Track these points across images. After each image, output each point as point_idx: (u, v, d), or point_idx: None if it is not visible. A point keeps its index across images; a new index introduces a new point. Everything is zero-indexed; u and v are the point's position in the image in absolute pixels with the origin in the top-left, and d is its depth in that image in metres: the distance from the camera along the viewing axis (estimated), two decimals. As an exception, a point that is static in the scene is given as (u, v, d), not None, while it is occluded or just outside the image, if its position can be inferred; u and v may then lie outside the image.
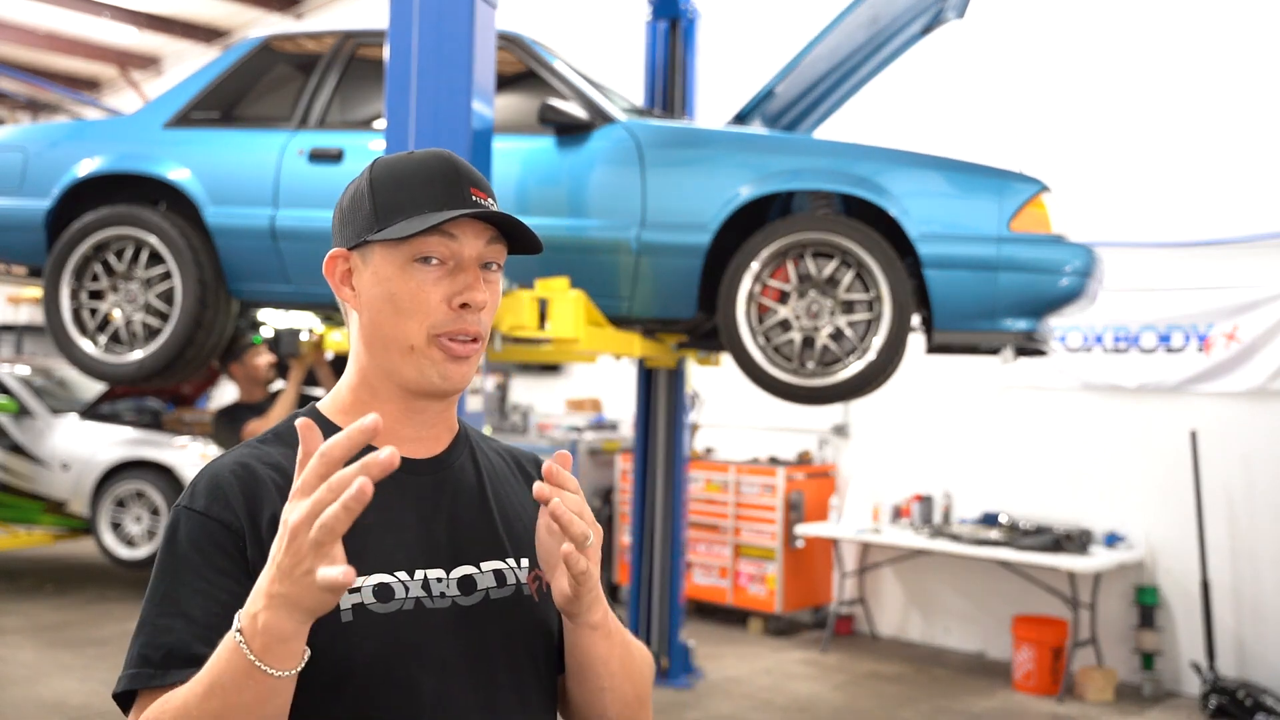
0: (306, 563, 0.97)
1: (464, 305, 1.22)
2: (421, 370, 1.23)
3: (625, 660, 1.28)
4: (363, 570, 1.17)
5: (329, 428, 1.25)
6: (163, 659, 1.10)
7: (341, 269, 1.27)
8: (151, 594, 1.15)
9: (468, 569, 1.25)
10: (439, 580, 1.22)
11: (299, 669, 1.03)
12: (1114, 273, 4.66)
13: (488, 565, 1.26)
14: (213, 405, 9.17)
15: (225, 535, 1.15)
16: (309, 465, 0.99)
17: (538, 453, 1.43)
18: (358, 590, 1.17)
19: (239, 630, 1.01)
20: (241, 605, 1.03)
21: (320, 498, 0.97)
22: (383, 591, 1.18)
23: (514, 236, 1.26)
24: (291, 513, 0.98)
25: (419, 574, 1.21)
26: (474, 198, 1.22)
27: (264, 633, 0.99)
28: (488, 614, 1.24)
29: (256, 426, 4.73)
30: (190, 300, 4.38)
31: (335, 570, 0.96)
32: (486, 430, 5.35)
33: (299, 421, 1.05)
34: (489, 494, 1.31)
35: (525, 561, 1.30)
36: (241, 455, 1.22)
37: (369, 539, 1.18)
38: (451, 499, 1.27)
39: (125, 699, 1.12)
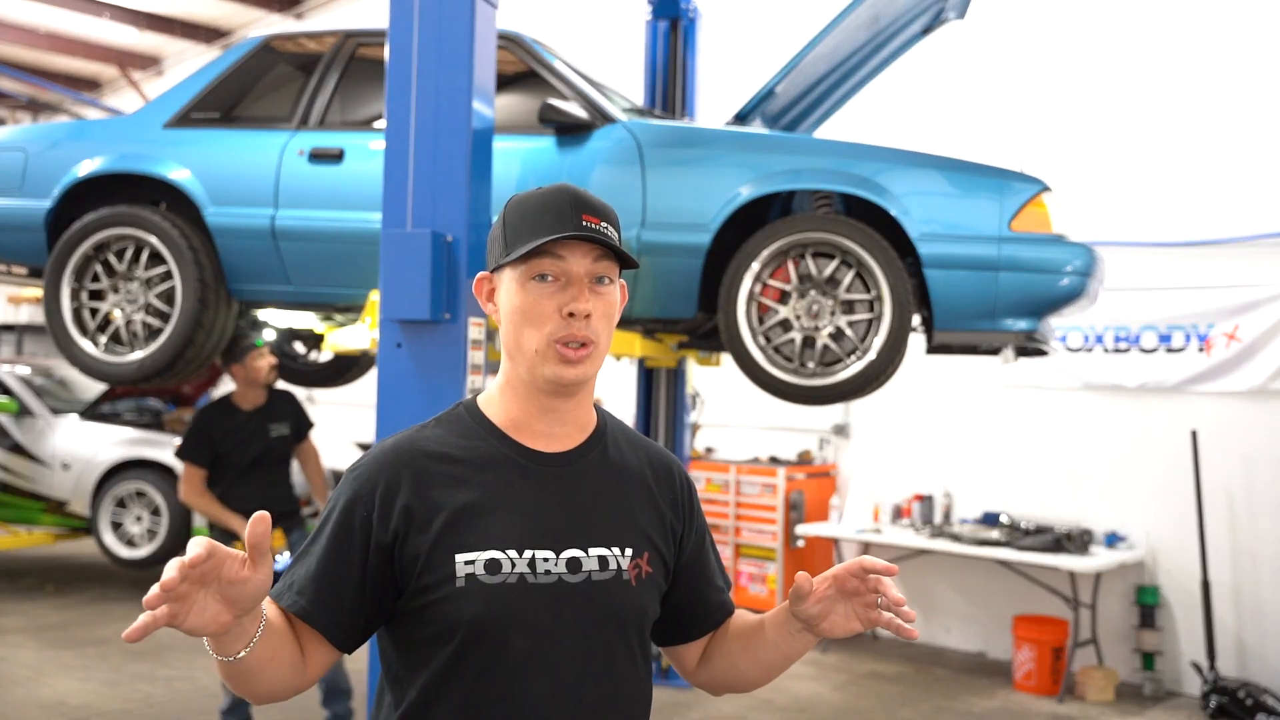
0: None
1: (571, 314, 1.43)
2: (541, 371, 1.46)
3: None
4: (481, 546, 1.43)
5: (479, 418, 1.52)
6: (287, 582, 1.46)
7: (487, 289, 1.54)
8: (316, 529, 1.49)
9: (575, 552, 1.46)
10: (546, 560, 1.44)
11: (242, 654, 1.30)
12: (1114, 272, 4.66)
13: (594, 551, 1.47)
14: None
15: (362, 516, 1.44)
16: (180, 564, 1.19)
17: None
18: (473, 562, 1.42)
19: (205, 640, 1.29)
20: (343, 575, 1.42)
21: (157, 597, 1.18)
22: (492, 565, 1.42)
23: (621, 254, 1.48)
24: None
25: (528, 553, 1.44)
26: (585, 223, 1.44)
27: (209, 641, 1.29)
28: (587, 592, 1.46)
29: (184, 484, 4.74)
30: (190, 300, 4.37)
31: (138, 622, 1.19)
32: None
33: (255, 516, 1.24)
34: (609, 490, 1.52)
35: (629, 551, 1.50)
36: (407, 441, 1.50)
37: (492, 520, 1.44)
38: (573, 491, 1.49)
39: None
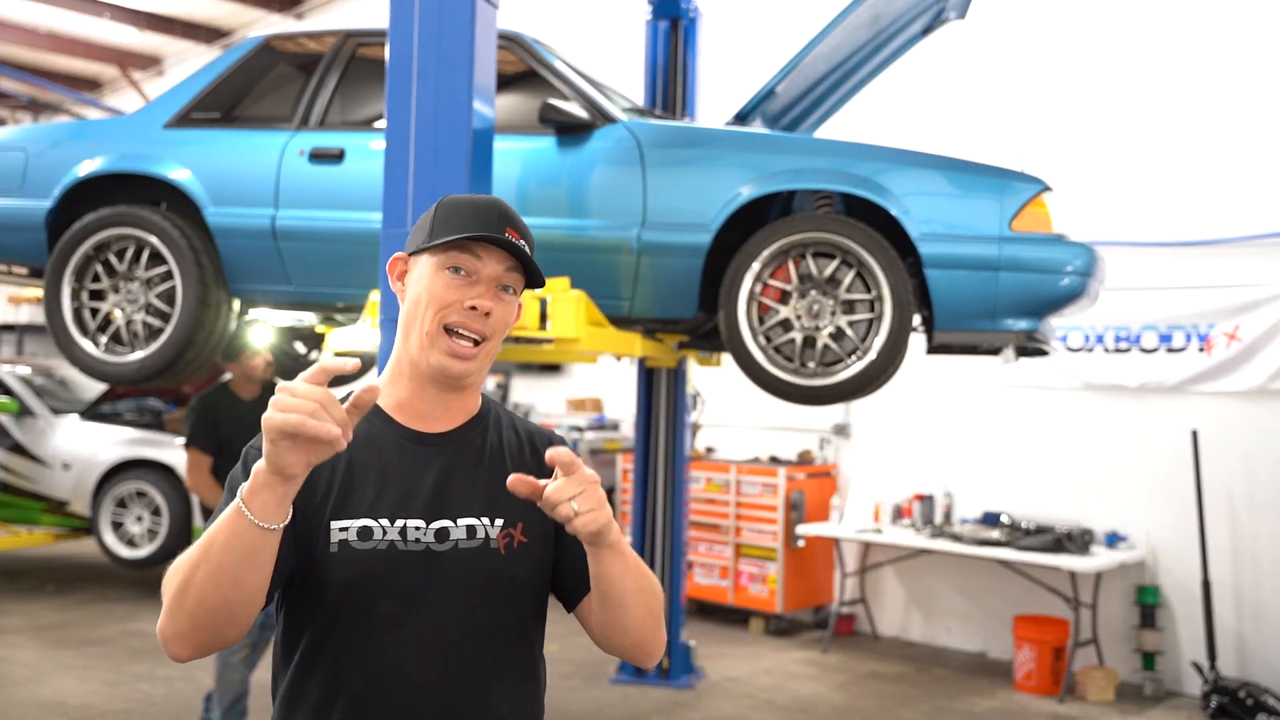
0: (275, 437, 1.29)
1: (473, 307, 1.54)
2: (428, 356, 1.55)
3: (639, 580, 1.53)
4: (355, 514, 1.52)
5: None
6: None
7: (400, 268, 1.64)
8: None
9: (445, 522, 1.54)
10: (416, 528, 1.52)
11: (279, 526, 1.35)
12: (1115, 272, 4.65)
13: (464, 521, 1.55)
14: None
15: None
16: (309, 373, 1.32)
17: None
18: (346, 529, 1.51)
19: (241, 500, 1.33)
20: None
21: (305, 392, 1.29)
22: (364, 532, 1.51)
23: (530, 272, 1.60)
24: (281, 387, 1.30)
25: (399, 522, 1.52)
26: (507, 234, 1.55)
27: (252, 495, 1.33)
28: (455, 560, 1.53)
29: (191, 474, 4.82)
30: (191, 300, 4.37)
31: (280, 417, 1.27)
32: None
33: (369, 387, 1.37)
34: (485, 465, 1.60)
35: (500, 521, 1.57)
36: None
37: (367, 491, 1.53)
38: (448, 466, 1.58)
39: None
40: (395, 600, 1.50)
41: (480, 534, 1.55)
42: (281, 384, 1.30)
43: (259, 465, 1.32)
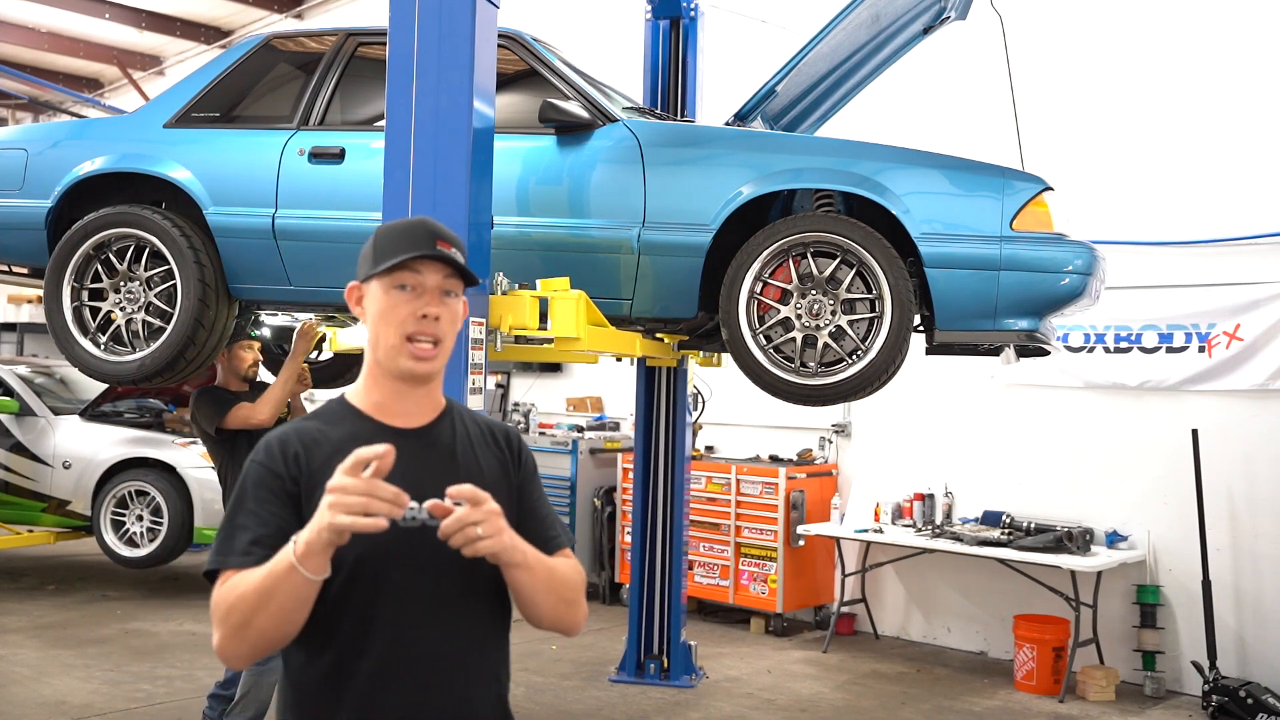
0: (329, 520, 1.57)
1: (423, 316, 1.82)
2: (396, 362, 1.83)
3: (549, 580, 1.81)
4: None
5: (347, 407, 1.89)
6: (229, 549, 1.73)
7: (356, 295, 1.93)
8: (228, 513, 1.79)
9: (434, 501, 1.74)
10: (411, 508, 1.70)
11: (320, 579, 1.62)
12: (1116, 271, 4.65)
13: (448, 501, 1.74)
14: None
15: (273, 479, 1.77)
16: (349, 461, 1.58)
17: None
18: None
19: (293, 541, 1.61)
20: (279, 524, 1.72)
21: (354, 487, 1.56)
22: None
23: (465, 275, 1.86)
24: (333, 484, 1.57)
25: None
26: (438, 247, 1.83)
27: (304, 546, 1.60)
28: None
29: (246, 413, 4.70)
30: (191, 300, 4.37)
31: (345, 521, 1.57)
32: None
33: (379, 449, 1.61)
34: (457, 453, 1.88)
35: None
36: (289, 428, 1.85)
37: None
38: (428, 454, 1.85)
39: (211, 576, 1.74)
40: (400, 570, 1.74)
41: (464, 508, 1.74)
42: (332, 484, 1.56)
43: (311, 535, 1.58)
